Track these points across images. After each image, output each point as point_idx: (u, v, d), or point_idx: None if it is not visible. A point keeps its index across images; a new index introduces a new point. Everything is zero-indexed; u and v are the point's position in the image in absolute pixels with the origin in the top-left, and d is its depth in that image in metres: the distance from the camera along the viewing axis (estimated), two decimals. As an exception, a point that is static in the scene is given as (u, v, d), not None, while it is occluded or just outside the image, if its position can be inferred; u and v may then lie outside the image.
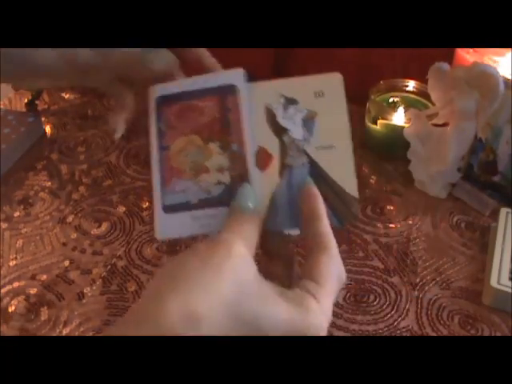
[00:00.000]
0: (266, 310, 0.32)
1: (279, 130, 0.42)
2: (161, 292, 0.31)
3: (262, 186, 0.39)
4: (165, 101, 0.46)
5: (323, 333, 0.35)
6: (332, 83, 0.45)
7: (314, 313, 0.34)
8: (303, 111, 0.43)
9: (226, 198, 0.40)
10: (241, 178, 0.41)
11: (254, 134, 0.42)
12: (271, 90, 0.44)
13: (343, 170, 0.41)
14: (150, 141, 0.45)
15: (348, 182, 0.40)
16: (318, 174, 0.41)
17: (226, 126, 0.43)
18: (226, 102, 0.44)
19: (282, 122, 0.43)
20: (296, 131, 0.42)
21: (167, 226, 0.43)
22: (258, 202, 0.37)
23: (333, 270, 0.35)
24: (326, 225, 0.37)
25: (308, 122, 0.42)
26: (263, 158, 0.42)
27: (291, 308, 0.33)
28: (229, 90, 0.44)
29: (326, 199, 0.39)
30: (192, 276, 0.31)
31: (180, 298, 0.31)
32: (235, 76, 0.45)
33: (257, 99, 0.44)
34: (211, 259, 0.32)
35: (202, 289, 0.31)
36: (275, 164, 0.41)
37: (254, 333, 0.32)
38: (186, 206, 0.42)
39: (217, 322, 0.31)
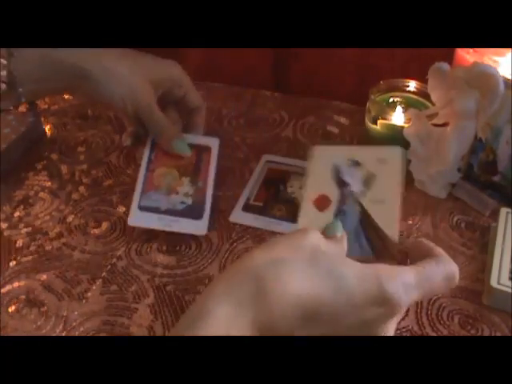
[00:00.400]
0: (342, 264, 0.39)
1: (341, 183, 0.53)
2: (250, 252, 0.39)
3: (316, 222, 0.47)
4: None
5: (397, 310, 0.37)
6: (394, 153, 0.54)
7: (389, 283, 0.37)
8: (364, 171, 0.53)
9: (186, 213, 0.66)
10: (199, 203, 0.66)
11: (317, 183, 0.53)
12: (341, 153, 0.54)
13: (388, 220, 0.51)
14: (141, 162, 0.69)
15: (391, 230, 0.50)
16: (367, 220, 0.51)
17: (197, 169, 0.68)
18: (201, 154, 0.69)
19: (345, 177, 0.53)
20: (355, 186, 0.52)
21: (138, 218, 0.66)
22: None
23: (438, 269, 0.42)
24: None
25: (367, 180, 0.53)
26: (323, 202, 0.52)
27: (367, 270, 0.39)
28: (205, 149, 0.69)
29: (370, 239, 0.50)
30: (274, 242, 0.40)
31: (265, 250, 0.38)
32: (213, 142, 0.70)
33: (327, 158, 0.54)
34: (290, 236, 0.41)
35: (284, 245, 0.38)
36: (331, 208, 0.51)
37: (329, 280, 0.37)
38: (155, 210, 0.66)
39: (297, 266, 0.37)
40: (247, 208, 0.70)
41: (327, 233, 0.44)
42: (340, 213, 0.52)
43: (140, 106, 0.62)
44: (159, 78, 0.65)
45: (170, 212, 0.65)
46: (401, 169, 0.54)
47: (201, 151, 0.69)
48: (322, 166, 0.54)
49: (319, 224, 0.47)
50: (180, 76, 0.67)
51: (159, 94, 0.65)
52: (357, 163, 0.54)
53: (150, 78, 0.63)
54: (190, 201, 0.66)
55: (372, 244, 0.51)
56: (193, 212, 0.65)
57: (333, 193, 0.53)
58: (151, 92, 0.63)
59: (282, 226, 0.68)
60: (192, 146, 0.68)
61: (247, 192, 0.72)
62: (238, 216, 0.70)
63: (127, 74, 0.61)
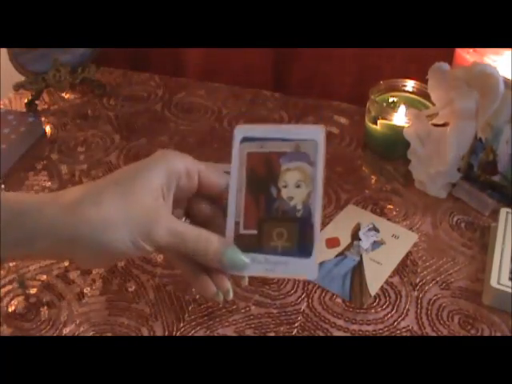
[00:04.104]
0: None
1: (355, 236, 0.68)
2: None
3: (320, 255, 0.50)
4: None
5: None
6: (408, 237, 0.68)
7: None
8: (378, 237, 0.67)
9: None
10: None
11: (337, 227, 0.68)
12: (367, 217, 0.70)
13: (377, 277, 0.63)
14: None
15: (374, 285, 0.62)
16: (359, 269, 0.64)
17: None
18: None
19: (360, 234, 0.68)
20: (365, 243, 0.67)
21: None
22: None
23: None
24: None
25: (376, 244, 0.67)
26: (333, 243, 0.67)
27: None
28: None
29: (352, 283, 0.62)
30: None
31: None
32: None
33: (353, 217, 0.70)
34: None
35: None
36: (338, 249, 0.66)
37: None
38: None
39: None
40: (240, 243, 0.45)
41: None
42: (341, 255, 0.65)
43: (159, 238, 0.41)
44: (159, 189, 0.42)
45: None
46: (406, 250, 0.66)
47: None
48: (347, 219, 0.69)
49: (320, 258, 0.52)
50: (180, 170, 0.44)
51: (172, 203, 0.44)
52: (375, 229, 0.69)
53: (148, 199, 0.41)
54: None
55: (352, 290, 0.61)
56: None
57: (344, 239, 0.67)
58: (163, 211, 0.42)
59: (289, 269, 0.44)
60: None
61: (232, 208, 0.46)
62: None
63: (122, 219, 0.40)
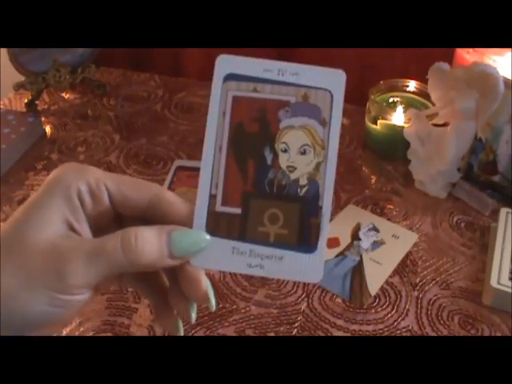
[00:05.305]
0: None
1: (355, 236, 0.68)
2: None
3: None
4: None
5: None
6: (408, 237, 0.68)
7: None
8: (378, 237, 0.67)
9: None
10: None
11: (337, 227, 0.67)
12: (367, 217, 0.70)
13: (377, 277, 0.63)
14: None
15: (374, 285, 0.62)
16: (359, 269, 0.64)
17: None
18: None
19: (360, 234, 0.67)
20: (365, 243, 0.66)
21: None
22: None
23: None
24: None
25: (376, 244, 0.67)
26: (333, 243, 0.66)
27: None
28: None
29: (352, 283, 0.62)
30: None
31: None
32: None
33: (353, 217, 0.70)
34: None
35: None
36: (337, 250, 0.66)
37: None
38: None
39: None
40: (214, 225, 0.32)
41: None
42: (341, 255, 0.65)
43: (80, 277, 0.30)
44: (60, 223, 0.32)
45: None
46: (406, 250, 0.66)
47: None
48: (347, 219, 0.69)
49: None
50: (80, 189, 0.34)
51: (88, 225, 0.34)
52: (376, 229, 0.68)
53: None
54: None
55: (352, 290, 0.61)
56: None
57: (344, 239, 0.67)
58: (72, 243, 0.31)
59: (283, 266, 0.32)
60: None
61: (207, 175, 0.33)
62: (201, 258, 0.33)
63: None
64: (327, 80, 0.33)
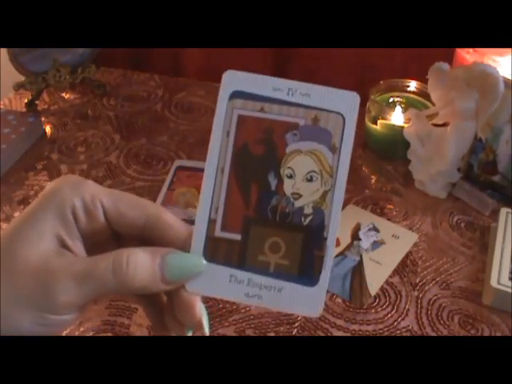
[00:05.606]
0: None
1: (355, 236, 0.67)
2: None
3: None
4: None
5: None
6: (408, 237, 0.68)
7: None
8: (378, 237, 0.67)
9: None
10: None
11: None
12: (367, 217, 0.70)
13: (377, 277, 0.63)
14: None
15: (374, 285, 0.62)
16: (359, 269, 0.64)
17: None
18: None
19: (360, 234, 0.67)
20: (365, 243, 0.67)
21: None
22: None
23: None
24: None
25: (376, 244, 0.67)
26: None
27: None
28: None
29: (352, 283, 0.62)
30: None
31: None
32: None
33: (353, 217, 0.70)
34: None
35: None
36: (337, 249, 0.65)
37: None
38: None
39: None
40: (212, 250, 0.31)
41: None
42: (341, 255, 0.65)
43: (66, 296, 0.29)
44: (52, 239, 0.31)
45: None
46: (406, 250, 0.66)
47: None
48: (347, 219, 0.68)
49: None
50: (74, 204, 0.32)
51: (81, 243, 0.33)
52: (375, 229, 0.68)
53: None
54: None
55: (352, 290, 0.61)
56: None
57: (344, 239, 0.66)
58: (61, 260, 0.30)
59: (282, 298, 0.31)
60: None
61: (207, 198, 0.32)
62: (197, 284, 0.31)
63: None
64: (340, 102, 0.31)
